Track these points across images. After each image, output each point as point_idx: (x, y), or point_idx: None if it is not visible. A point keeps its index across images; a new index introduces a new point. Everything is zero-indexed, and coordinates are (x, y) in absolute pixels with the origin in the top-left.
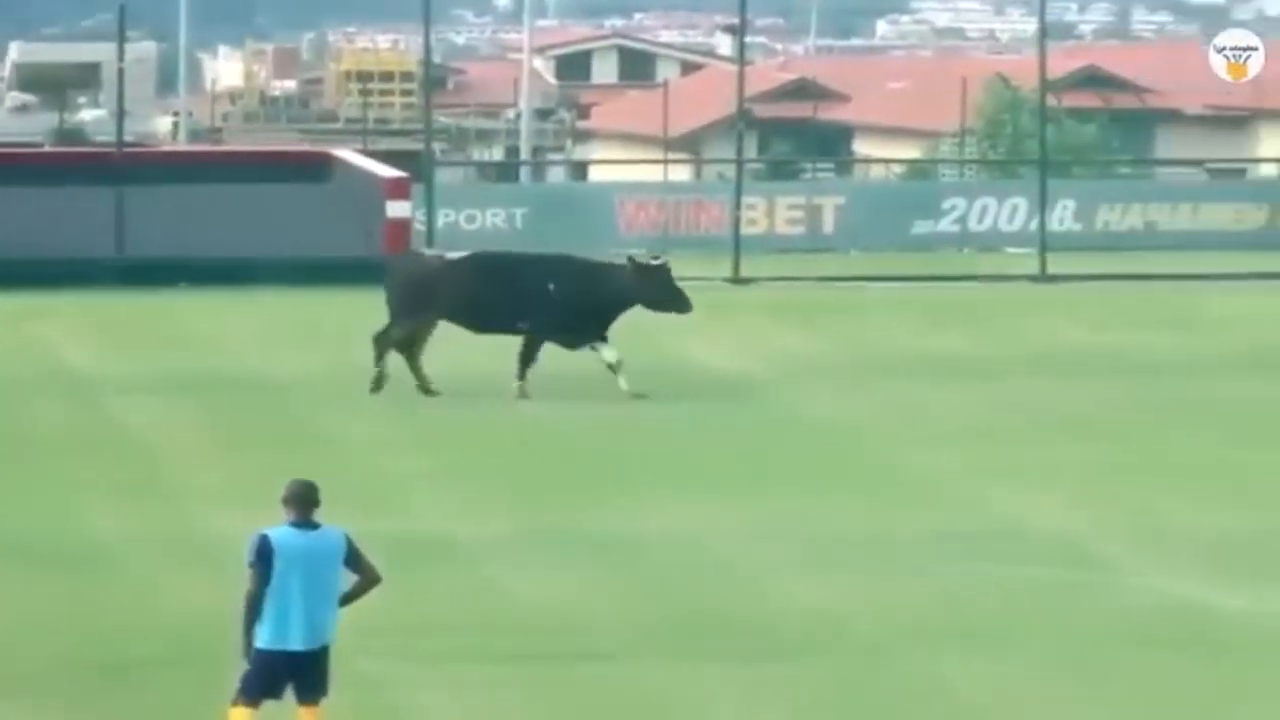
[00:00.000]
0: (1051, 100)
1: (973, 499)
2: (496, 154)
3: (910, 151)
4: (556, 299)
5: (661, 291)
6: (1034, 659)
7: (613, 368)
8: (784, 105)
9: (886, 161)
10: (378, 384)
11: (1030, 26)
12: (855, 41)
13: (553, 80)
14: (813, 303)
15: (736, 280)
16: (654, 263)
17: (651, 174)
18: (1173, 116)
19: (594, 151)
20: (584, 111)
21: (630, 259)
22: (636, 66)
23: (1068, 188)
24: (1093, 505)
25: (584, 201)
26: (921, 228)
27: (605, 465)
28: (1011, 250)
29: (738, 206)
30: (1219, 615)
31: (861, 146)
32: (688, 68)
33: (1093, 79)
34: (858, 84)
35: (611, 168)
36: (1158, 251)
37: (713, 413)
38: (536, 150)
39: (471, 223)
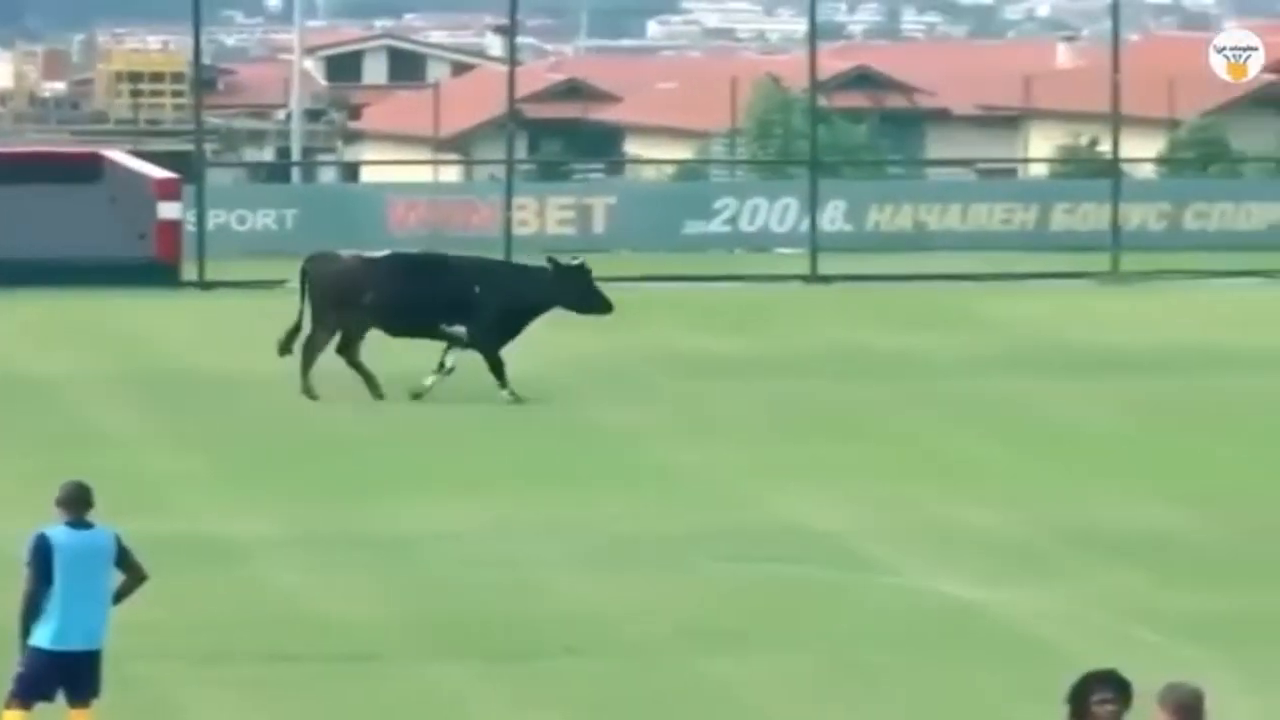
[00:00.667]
0: (822, 100)
1: (746, 498)
2: (267, 155)
3: (681, 152)
4: (484, 300)
5: (582, 293)
6: (806, 658)
7: (445, 369)
8: (555, 106)
9: (657, 162)
10: (376, 390)
11: (800, 27)
12: (626, 42)
13: (323, 81)
14: None
15: None
16: (574, 264)
17: (422, 175)
18: (942, 117)
19: (365, 152)
20: (355, 112)
21: (551, 260)
22: (407, 67)
23: (838, 188)
24: (865, 505)
25: (354, 202)
26: (693, 228)
27: (380, 466)
28: (783, 250)
29: (508, 207)
30: (988, 614)
31: (632, 147)
32: (458, 68)
33: (863, 79)
34: (628, 84)
35: (382, 168)
36: (928, 252)
37: (492, 415)
38: (307, 151)
39: (242, 224)
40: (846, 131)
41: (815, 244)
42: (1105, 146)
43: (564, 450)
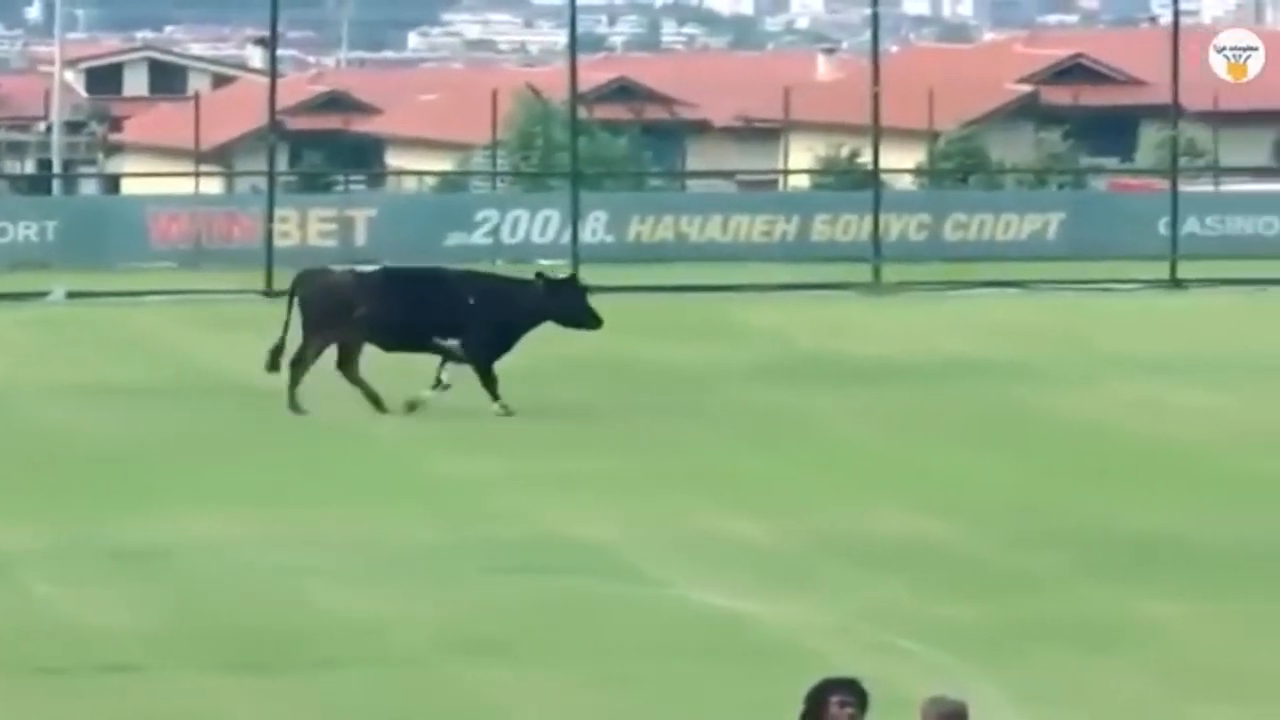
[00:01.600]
0: (582, 112)
1: (512, 510)
2: (28, 167)
3: (442, 164)
4: (478, 314)
5: (574, 307)
6: (572, 669)
7: (442, 385)
8: (316, 117)
9: (419, 174)
10: (379, 405)
11: (560, 39)
12: (387, 54)
13: (84, 93)
14: None
15: (269, 293)
16: (564, 278)
17: (183, 186)
18: (703, 128)
19: (126, 164)
20: (116, 124)
21: (540, 275)
22: (167, 79)
23: (600, 200)
24: (632, 516)
25: (116, 214)
26: (455, 239)
27: (139, 475)
28: (544, 262)
29: (270, 219)
30: (755, 625)
31: (393, 159)
32: (219, 80)
33: (624, 91)
34: (389, 96)
35: (143, 180)
36: (690, 263)
37: (260, 426)
38: (68, 163)
39: (3, 235)
40: (607, 143)
41: (577, 255)
42: (865, 158)
43: (331, 461)
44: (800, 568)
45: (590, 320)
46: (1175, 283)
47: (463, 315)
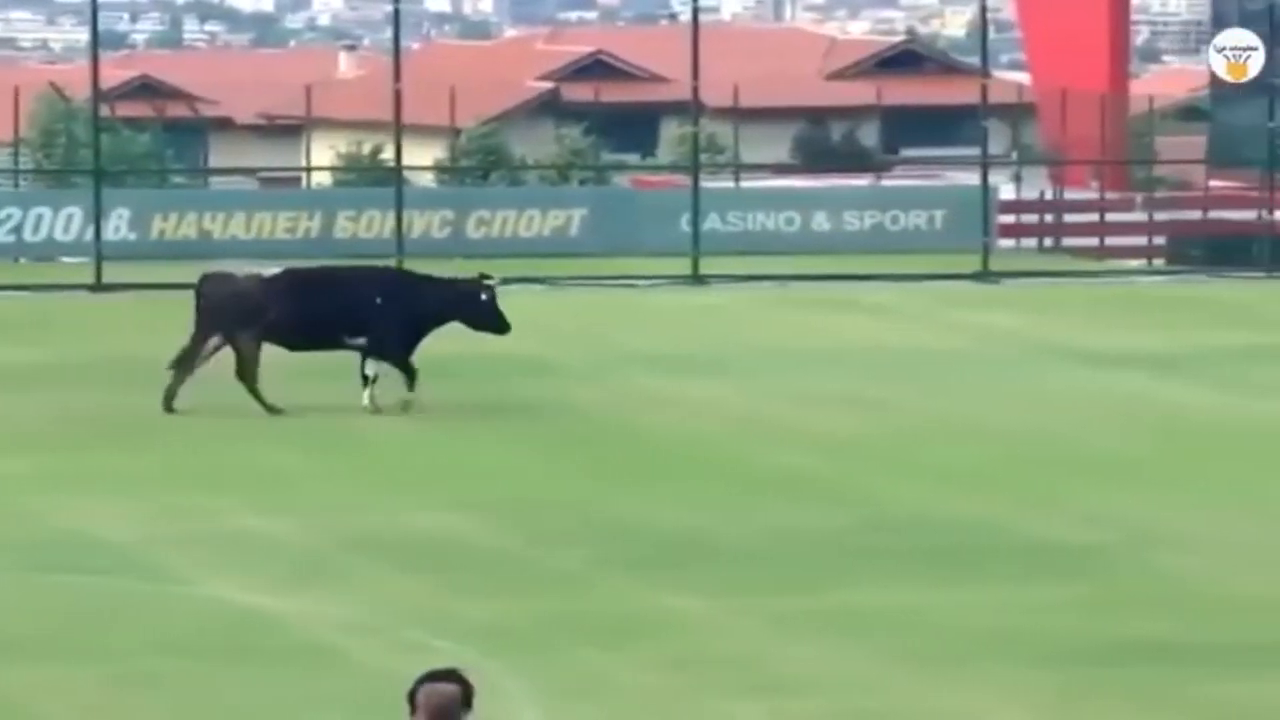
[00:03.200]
0: (105, 110)
1: (32, 509)
2: None
3: None
4: (386, 312)
5: (482, 309)
6: (94, 668)
7: (370, 380)
8: None
9: None
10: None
11: (83, 36)
12: None
13: None
14: None
15: None
16: (485, 281)
17: None
18: (225, 125)
19: None
20: None
21: (483, 276)
22: None
23: (123, 197)
24: (154, 514)
25: None
26: None
27: None
28: (67, 260)
29: None
30: (282, 622)
31: None
32: None
33: (146, 88)
34: None
35: None
36: (213, 260)
37: None
38: None
39: None
40: (130, 141)
41: (100, 253)
42: (388, 154)
43: None
44: (328, 565)
45: (499, 323)
46: (697, 278)
47: (373, 312)
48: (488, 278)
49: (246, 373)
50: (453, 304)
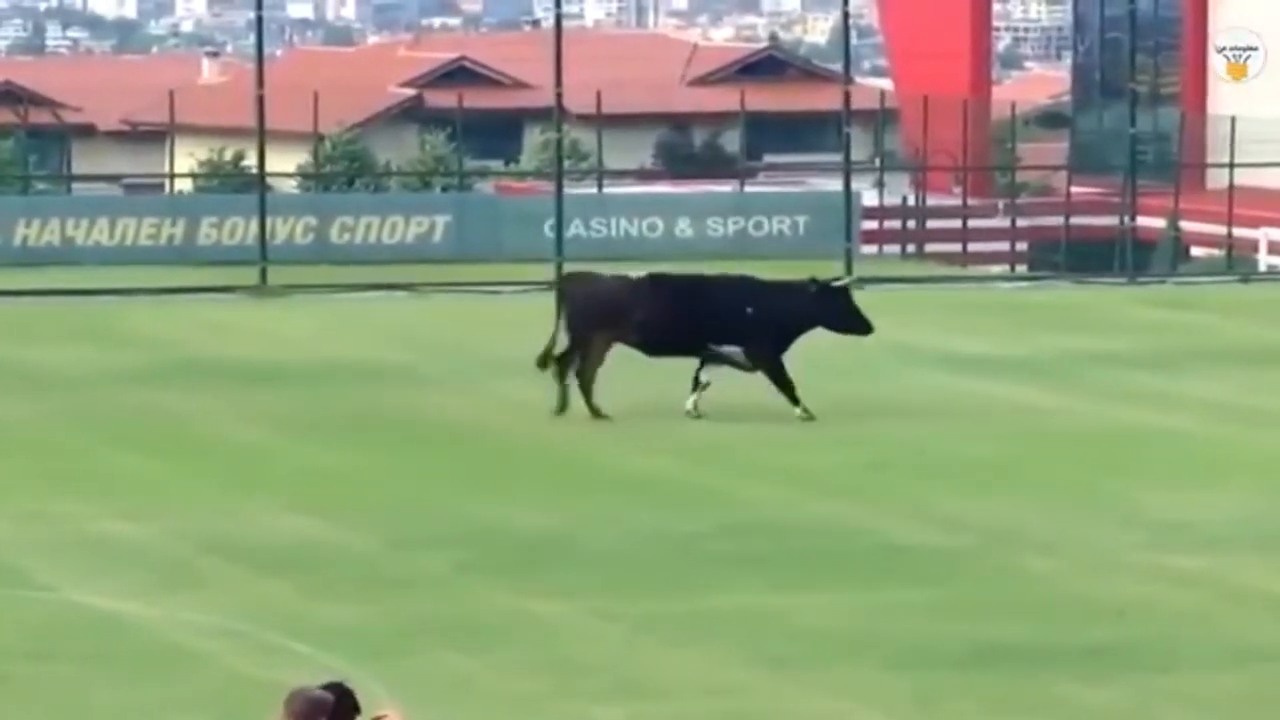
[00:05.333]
0: None
1: None
2: None
3: None
4: (758, 320)
5: (845, 312)
6: None
7: (702, 386)
8: None
9: None
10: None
11: None
12: None
13: None
14: None
15: None
16: (836, 285)
17: None
18: (88, 132)
19: None
20: None
21: (814, 280)
22: None
23: None
24: (12, 518)
25: None
26: None
27: None
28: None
29: None
30: (140, 627)
31: None
32: None
33: (8, 95)
34: None
35: None
36: (77, 267)
37: None
38: None
39: None
40: None
41: None
42: (250, 160)
43: None
44: (186, 570)
45: (863, 325)
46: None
47: (743, 321)
48: (840, 280)
49: (589, 372)
50: (816, 309)
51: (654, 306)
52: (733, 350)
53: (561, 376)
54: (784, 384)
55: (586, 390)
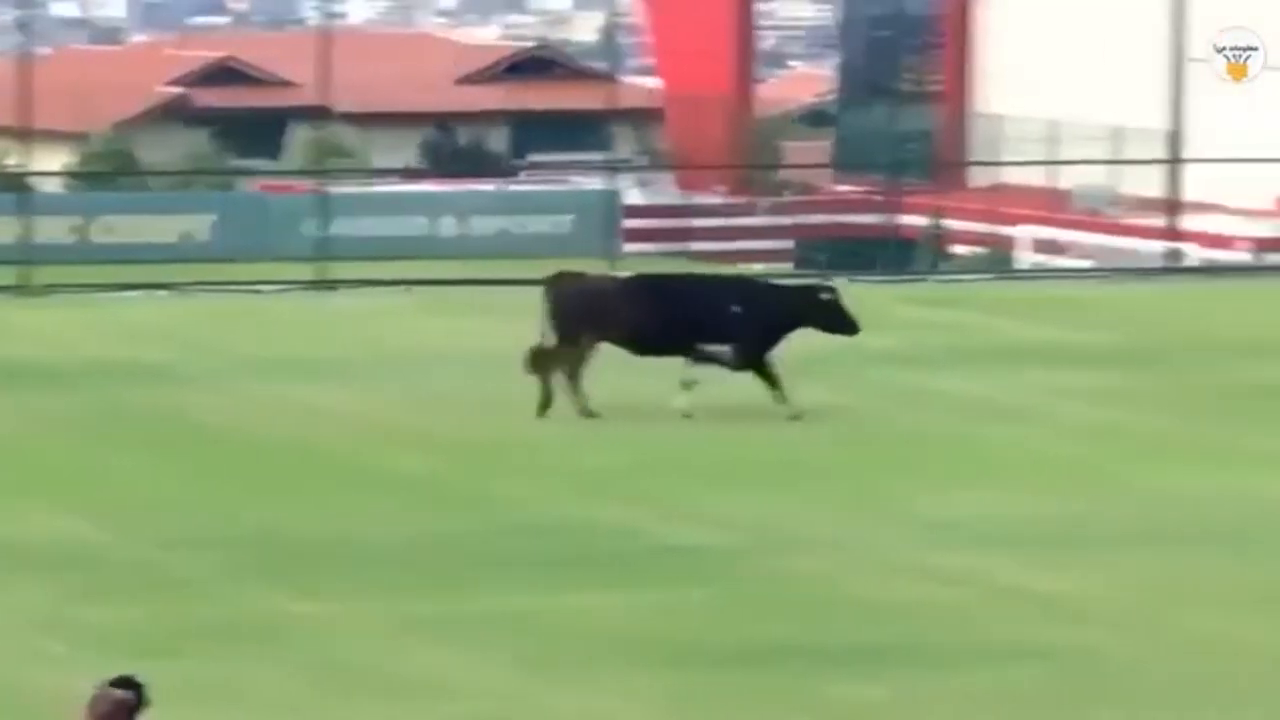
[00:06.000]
0: None
1: None
2: None
3: None
4: (746, 320)
5: (832, 313)
6: None
7: (689, 385)
8: None
9: None
10: (585, 411)
11: None
12: None
13: None
14: None
15: None
16: (823, 286)
17: None
18: None
19: None
20: None
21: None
22: None
23: None
24: None
25: None
26: None
27: None
28: None
29: None
30: None
31: None
32: None
33: None
34: None
35: None
36: None
37: None
38: None
39: None
40: None
41: None
42: (14, 160)
43: None
44: None
45: (851, 326)
46: (324, 284)
47: (734, 320)
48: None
49: (575, 370)
50: (804, 309)
51: (642, 305)
52: (720, 349)
53: (545, 376)
54: (772, 382)
55: (574, 390)
